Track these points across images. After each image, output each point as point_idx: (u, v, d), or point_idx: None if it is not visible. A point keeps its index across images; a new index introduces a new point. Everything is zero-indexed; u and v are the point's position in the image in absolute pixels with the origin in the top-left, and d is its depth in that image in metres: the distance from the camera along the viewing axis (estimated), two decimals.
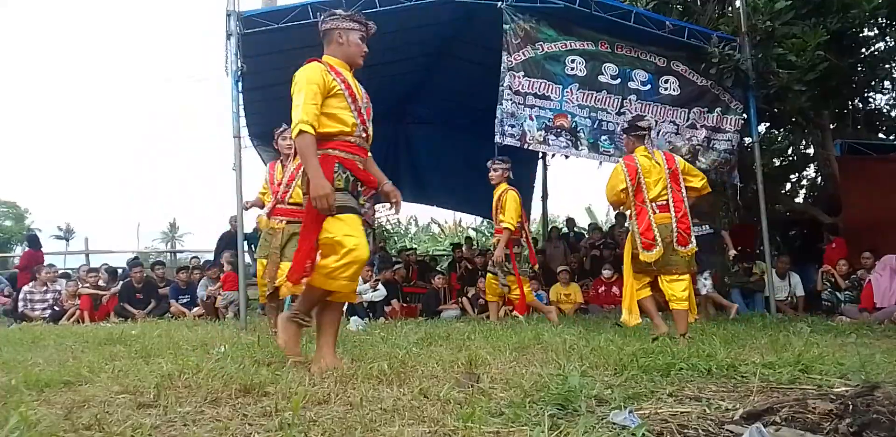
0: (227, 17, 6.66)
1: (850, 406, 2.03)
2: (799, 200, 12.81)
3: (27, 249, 11.20)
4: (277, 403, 2.52)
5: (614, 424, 2.14)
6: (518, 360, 3.63)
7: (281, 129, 5.60)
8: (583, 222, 17.26)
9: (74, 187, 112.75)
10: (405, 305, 8.93)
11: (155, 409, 2.55)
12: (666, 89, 7.66)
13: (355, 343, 4.50)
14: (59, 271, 10.50)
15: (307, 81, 3.32)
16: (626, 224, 11.09)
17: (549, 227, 13.82)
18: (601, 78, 7.39)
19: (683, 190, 4.99)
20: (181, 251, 25.35)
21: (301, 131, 3.19)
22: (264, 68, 7.69)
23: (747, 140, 8.80)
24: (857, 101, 10.97)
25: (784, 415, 2.06)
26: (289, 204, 5.37)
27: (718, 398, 2.53)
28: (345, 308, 8.00)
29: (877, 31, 9.89)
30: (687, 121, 7.70)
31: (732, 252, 7.60)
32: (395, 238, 17.72)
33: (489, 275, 6.81)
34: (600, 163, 7.80)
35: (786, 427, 1.97)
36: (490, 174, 6.66)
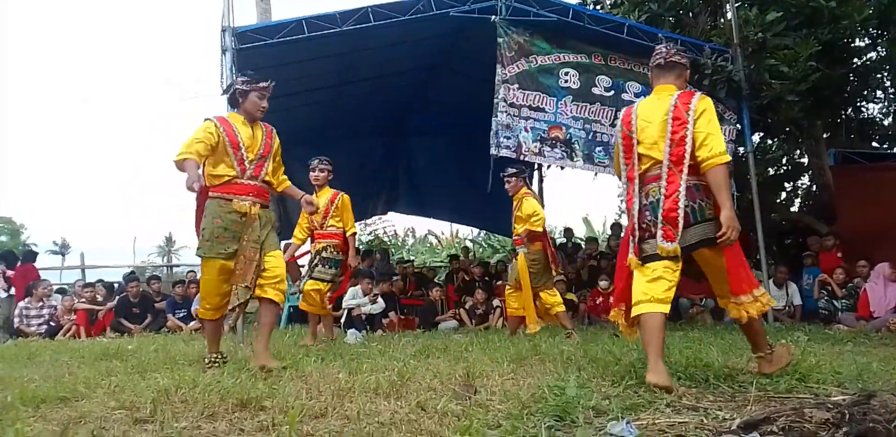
0: (221, 32, 6.69)
1: (847, 415, 2.03)
2: (794, 208, 12.85)
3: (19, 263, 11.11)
4: (274, 417, 2.52)
5: (612, 435, 2.15)
6: (516, 372, 3.62)
7: (249, 79, 4.32)
8: (579, 232, 17.29)
9: (70, 203, 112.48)
10: (403, 317, 8.91)
11: (151, 424, 2.54)
12: None
13: (353, 356, 4.48)
14: (55, 287, 10.45)
15: (713, 111, 3.29)
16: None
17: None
18: (595, 90, 7.44)
19: None
20: (177, 265, 25.31)
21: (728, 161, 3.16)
22: None
23: (741, 150, 8.84)
24: (849, 110, 11.04)
25: (781, 424, 2.07)
26: (263, 182, 4.22)
27: (716, 407, 2.54)
28: (342, 321, 8.01)
29: (868, 42, 9.98)
30: None
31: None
32: (393, 250, 17.70)
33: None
34: (596, 174, 7.82)
35: None
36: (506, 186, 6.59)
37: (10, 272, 10.37)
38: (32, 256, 11.26)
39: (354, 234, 6.41)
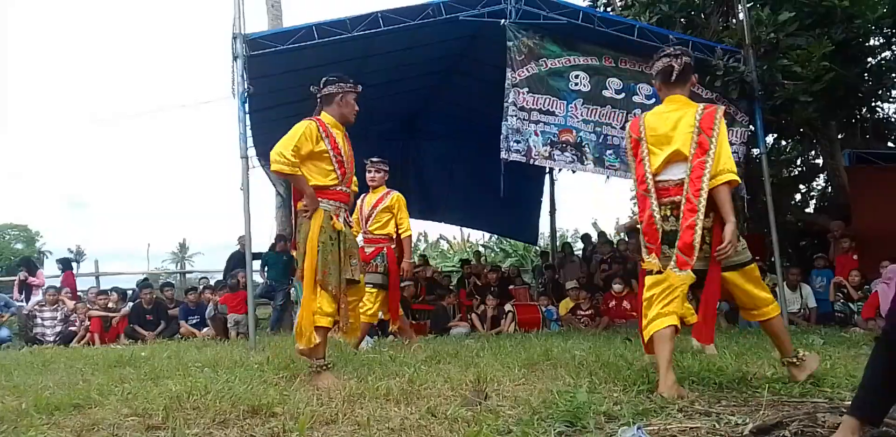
0: (233, 39, 6.73)
1: None
2: (810, 210, 12.75)
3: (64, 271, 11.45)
4: (285, 424, 2.52)
5: None
6: (527, 377, 3.61)
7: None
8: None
9: (84, 209, 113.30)
10: (414, 322, 8.89)
11: (164, 431, 2.56)
12: None
13: (363, 362, 4.48)
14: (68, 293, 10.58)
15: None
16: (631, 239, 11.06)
17: (563, 243, 13.81)
18: (605, 93, 7.41)
19: None
20: (190, 272, 25.43)
21: None
22: (271, 89, 7.77)
23: (755, 151, 8.78)
24: (864, 110, 10.93)
25: (794, 429, 2.05)
26: None
27: (728, 412, 2.51)
28: None
29: (882, 41, 9.90)
30: None
31: None
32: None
33: None
34: (607, 177, 7.79)
35: None
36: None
37: (31, 279, 10.54)
38: (69, 263, 11.61)
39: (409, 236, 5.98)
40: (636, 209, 16.74)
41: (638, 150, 3.36)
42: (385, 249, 5.77)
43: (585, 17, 7.21)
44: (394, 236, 5.87)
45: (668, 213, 3.22)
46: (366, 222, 5.82)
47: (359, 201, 5.89)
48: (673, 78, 3.41)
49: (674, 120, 3.29)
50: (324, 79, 4.08)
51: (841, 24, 7.95)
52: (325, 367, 3.69)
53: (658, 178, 3.28)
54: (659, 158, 3.27)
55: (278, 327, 9.83)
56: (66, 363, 5.40)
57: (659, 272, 3.15)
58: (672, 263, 3.10)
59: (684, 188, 3.15)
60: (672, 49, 3.51)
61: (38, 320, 9.25)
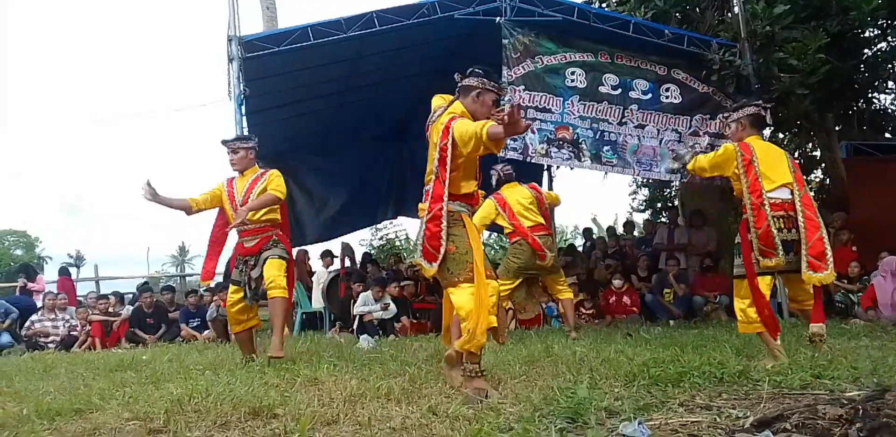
0: (228, 41, 6.73)
1: (860, 411, 2.01)
2: None
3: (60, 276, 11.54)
4: (287, 425, 2.52)
5: (624, 436, 2.13)
6: (528, 374, 3.61)
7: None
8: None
9: (83, 213, 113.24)
10: (415, 321, 8.89)
11: (165, 435, 2.56)
12: (667, 98, 7.66)
13: (364, 362, 4.49)
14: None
15: None
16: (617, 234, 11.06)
17: (568, 245, 13.79)
18: (602, 89, 7.41)
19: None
20: (191, 275, 25.44)
21: None
22: (267, 91, 7.77)
23: None
24: (861, 102, 10.91)
25: (794, 422, 2.05)
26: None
27: (729, 406, 2.52)
28: (355, 326, 8.02)
29: (878, 32, 9.87)
30: (689, 128, 7.70)
31: None
32: (405, 254, 17.70)
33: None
34: (605, 173, 7.79)
35: (796, 434, 1.96)
36: None
37: (31, 285, 10.55)
38: (66, 270, 11.69)
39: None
40: (634, 205, 16.57)
41: (751, 168, 4.02)
42: (274, 235, 5.04)
43: (580, 14, 7.22)
44: (279, 221, 5.12)
45: (782, 225, 3.95)
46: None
47: (222, 188, 5.12)
48: (761, 124, 4.33)
49: (777, 158, 4.14)
50: (470, 69, 3.72)
51: (836, 16, 7.94)
52: (482, 372, 3.17)
53: (770, 195, 3.99)
54: (771, 182, 4.02)
55: None
56: (67, 368, 5.39)
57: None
58: (805, 266, 3.89)
59: (797, 208, 3.97)
60: (758, 100, 4.40)
61: (38, 326, 9.23)
